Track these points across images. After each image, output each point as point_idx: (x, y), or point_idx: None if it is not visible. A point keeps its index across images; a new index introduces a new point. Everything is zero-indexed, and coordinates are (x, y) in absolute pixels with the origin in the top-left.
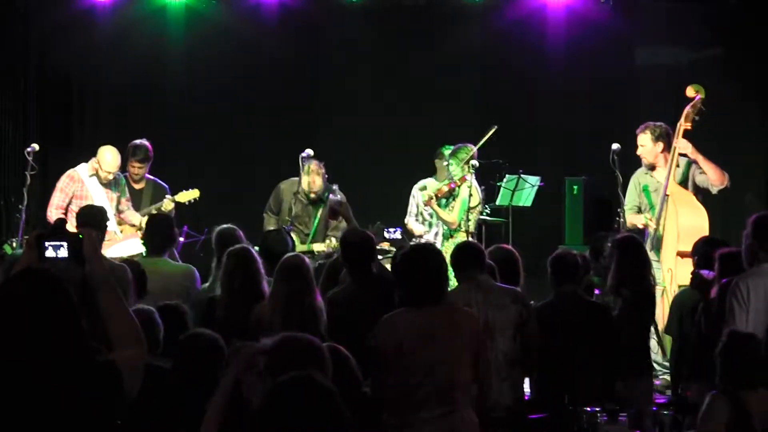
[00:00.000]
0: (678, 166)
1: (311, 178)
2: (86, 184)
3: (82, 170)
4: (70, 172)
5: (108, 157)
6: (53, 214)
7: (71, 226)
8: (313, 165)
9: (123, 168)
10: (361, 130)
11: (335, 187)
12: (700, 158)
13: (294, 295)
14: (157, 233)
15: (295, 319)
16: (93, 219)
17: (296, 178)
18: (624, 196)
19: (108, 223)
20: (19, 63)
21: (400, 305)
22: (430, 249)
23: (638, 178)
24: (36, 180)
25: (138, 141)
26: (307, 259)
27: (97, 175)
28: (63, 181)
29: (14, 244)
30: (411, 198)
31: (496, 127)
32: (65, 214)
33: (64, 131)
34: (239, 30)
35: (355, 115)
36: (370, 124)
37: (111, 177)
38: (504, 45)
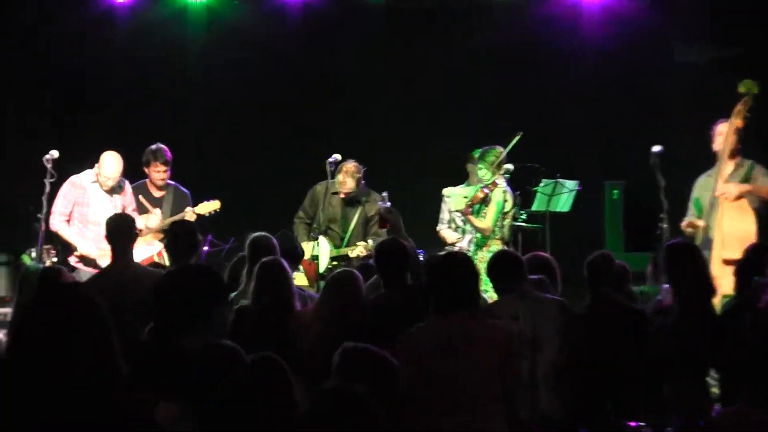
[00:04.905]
0: (741, 166)
1: (343, 178)
2: (88, 191)
3: (86, 177)
4: (72, 178)
5: (108, 162)
6: (56, 221)
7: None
8: (349, 165)
9: (143, 174)
10: (387, 133)
11: (385, 194)
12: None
13: (340, 309)
14: (180, 240)
15: (338, 331)
16: (123, 229)
17: (332, 180)
18: (666, 201)
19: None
20: (34, 67)
21: (429, 313)
22: (459, 257)
23: (698, 188)
24: (55, 188)
25: (154, 145)
26: (358, 274)
27: (98, 181)
28: (65, 188)
29: (33, 254)
30: (442, 204)
31: (521, 133)
32: (68, 221)
33: (82, 137)
34: (261, 32)
35: (381, 117)
36: (396, 126)
37: (111, 183)
38: (537, 43)
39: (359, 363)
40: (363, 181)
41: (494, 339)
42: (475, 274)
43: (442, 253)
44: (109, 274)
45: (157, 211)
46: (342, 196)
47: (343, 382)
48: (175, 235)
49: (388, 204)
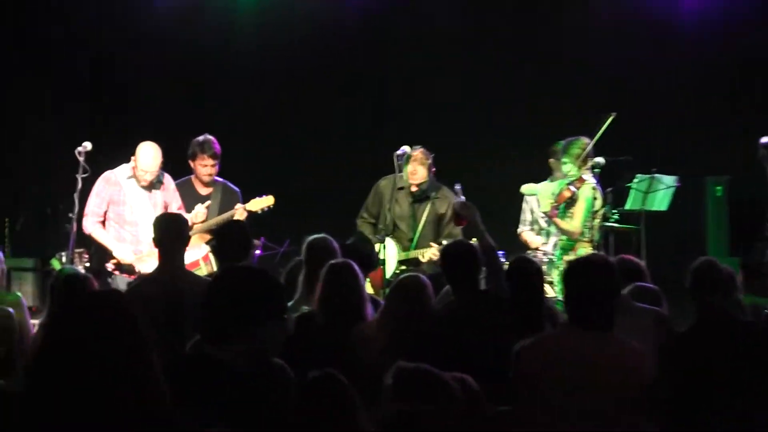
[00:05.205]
0: None
1: (412, 167)
2: (124, 187)
3: (121, 172)
4: (106, 174)
5: (144, 153)
6: (89, 222)
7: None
8: (418, 152)
9: (188, 170)
10: (460, 126)
11: (458, 187)
12: None
13: (405, 319)
14: (230, 241)
15: (405, 343)
16: (173, 230)
17: (399, 173)
18: None
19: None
20: (66, 52)
21: (560, 324)
22: (600, 264)
23: None
24: (88, 185)
25: (201, 137)
26: (426, 279)
27: (135, 176)
28: (99, 185)
29: (63, 259)
30: (523, 204)
31: (614, 114)
32: (103, 222)
33: (118, 127)
34: (317, 15)
35: (454, 108)
36: (470, 118)
37: (149, 177)
38: (628, 23)
39: (415, 386)
40: (434, 170)
41: (630, 363)
42: (617, 286)
43: (582, 256)
44: (155, 281)
45: (200, 206)
46: (413, 188)
47: (403, 405)
48: (223, 236)
49: (463, 198)
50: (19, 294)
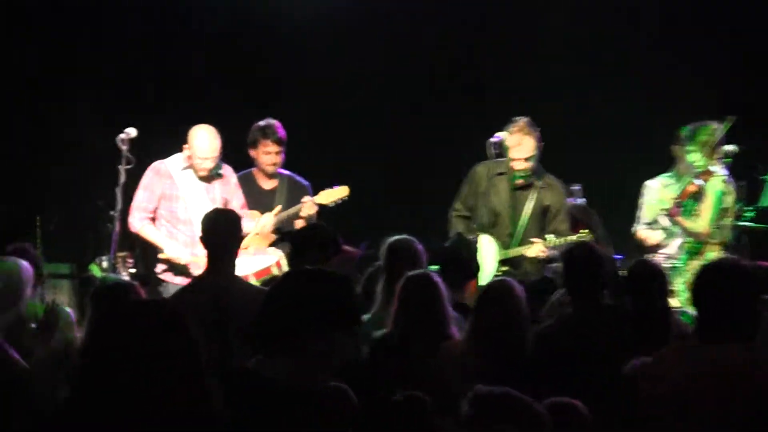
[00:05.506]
0: None
1: (517, 139)
2: (176, 180)
3: (173, 163)
4: (156, 164)
5: (200, 138)
6: (137, 219)
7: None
8: (521, 122)
9: (248, 161)
10: (563, 111)
11: (577, 186)
12: None
13: (495, 334)
14: (308, 247)
15: (495, 364)
16: (223, 229)
17: (500, 159)
18: None
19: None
20: (107, 23)
21: (689, 336)
22: (733, 267)
23: None
24: (132, 177)
25: (263, 121)
26: (518, 285)
27: (191, 166)
28: (147, 177)
29: (104, 264)
30: (640, 198)
31: (733, 119)
32: (153, 219)
33: (168, 110)
34: None
35: (551, 92)
36: (577, 101)
37: (209, 165)
38: None
39: (496, 414)
40: (542, 143)
41: None
42: (756, 290)
43: (711, 260)
44: (200, 286)
45: (267, 216)
46: (520, 166)
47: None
48: (302, 239)
49: (582, 200)
50: (67, 309)
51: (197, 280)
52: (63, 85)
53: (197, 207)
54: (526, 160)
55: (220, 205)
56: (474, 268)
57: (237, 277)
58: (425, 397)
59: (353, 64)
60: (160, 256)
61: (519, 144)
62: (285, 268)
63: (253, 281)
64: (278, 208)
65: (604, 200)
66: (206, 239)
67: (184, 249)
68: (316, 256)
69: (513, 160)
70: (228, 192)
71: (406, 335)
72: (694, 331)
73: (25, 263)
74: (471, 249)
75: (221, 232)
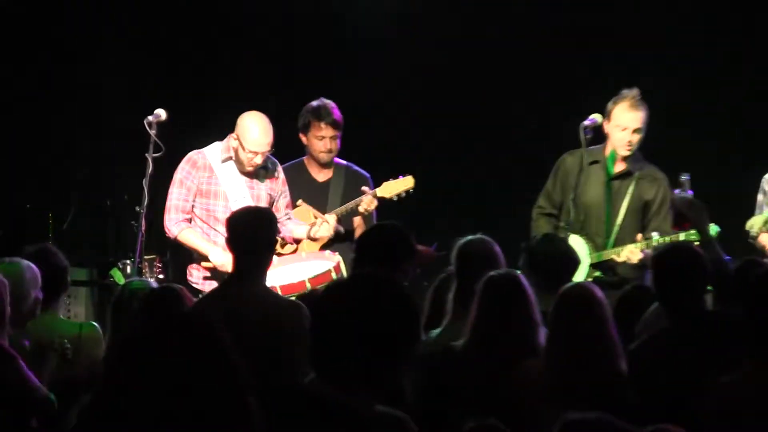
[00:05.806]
0: None
1: (620, 112)
2: (217, 173)
3: (212, 153)
4: (191, 155)
5: (253, 127)
6: (173, 221)
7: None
8: (633, 92)
9: (299, 148)
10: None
11: (686, 177)
12: None
13: (575, 351)
14: (379, 248)
15: (576, 389)
16: (251, 229)
17: (594, 147)
18: None
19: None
20: None
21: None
22: None
23: None
24: (162, 166)
25: (316, 101)
26: (595, 288)
27: (236, 158)
28: (183, 170)
29: (128, 269)
30: (759, 194)
31: None
32: (190, 220)
33: (204, 93)
34: None
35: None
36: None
37: (259, 161)
38: None
39: None
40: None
41: None
42: None
43: None
44: (221, 294)
45: (331, 218)
46: (626, 139)
47: None
48: (370, 241)
49: (690, 193)
50: (95, 324)
51: (216, 290)
52: (82, 57)
53: (240, 206)
54: (635, 131)
55: (265, 205)
56: (571, 267)
57: (265, 288)
58: (501, 425)
59: (421, 40)
60: (204, 264)
61: (629, 111)
62: (345, 273)
63: (309, 287)
64: (333, 215)
65: (710, 193)
66: (232, 242)
67: (226, 255)
68: (381, 262)
69: (621, 129)
70: (274, 189)
71: (484, 347)
72: None
73: (29, 264)
74: (564, 247)
75: (249, 235)
